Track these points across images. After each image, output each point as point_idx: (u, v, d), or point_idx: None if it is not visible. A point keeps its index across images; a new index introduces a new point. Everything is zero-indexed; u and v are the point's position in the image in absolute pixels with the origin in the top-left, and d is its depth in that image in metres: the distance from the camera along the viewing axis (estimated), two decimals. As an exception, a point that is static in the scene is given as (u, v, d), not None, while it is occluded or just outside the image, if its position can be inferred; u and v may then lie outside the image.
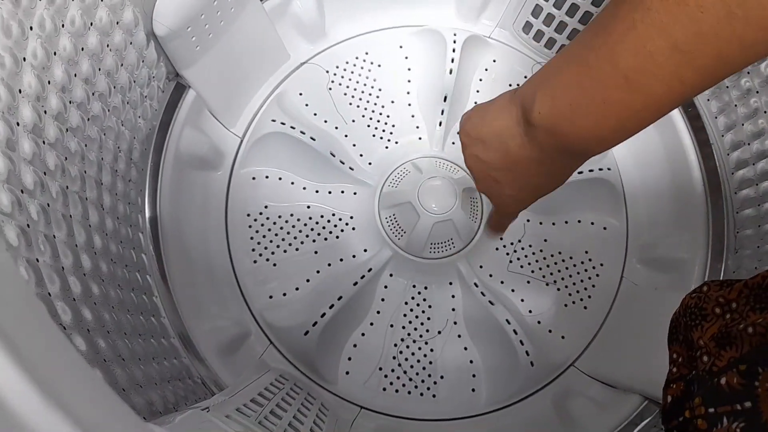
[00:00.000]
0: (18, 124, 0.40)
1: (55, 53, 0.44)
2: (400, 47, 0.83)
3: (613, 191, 0.77)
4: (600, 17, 0.35)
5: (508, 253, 0.77)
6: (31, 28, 0.41)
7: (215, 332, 0.66)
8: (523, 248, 0.77)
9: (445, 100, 0.78)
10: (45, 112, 0.43)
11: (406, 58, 0.83)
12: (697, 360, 0.31)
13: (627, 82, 0.32)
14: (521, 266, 0.76)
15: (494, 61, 0.83)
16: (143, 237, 0.62)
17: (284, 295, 0.73)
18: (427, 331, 0.74)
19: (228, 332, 0.68)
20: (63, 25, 0.45)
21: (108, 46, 0.52)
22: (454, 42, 0.77)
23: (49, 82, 0.44)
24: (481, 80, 0.82)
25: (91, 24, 0.49)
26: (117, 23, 0.53)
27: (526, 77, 0.82)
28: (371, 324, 0.74)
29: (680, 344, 0.34)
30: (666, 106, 0.34)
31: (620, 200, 0.77)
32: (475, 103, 0.82)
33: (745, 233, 0.65)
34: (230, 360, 0.67)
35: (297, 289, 0.73)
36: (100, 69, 0.51)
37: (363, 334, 0.73)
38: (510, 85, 0.82)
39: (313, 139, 0.74)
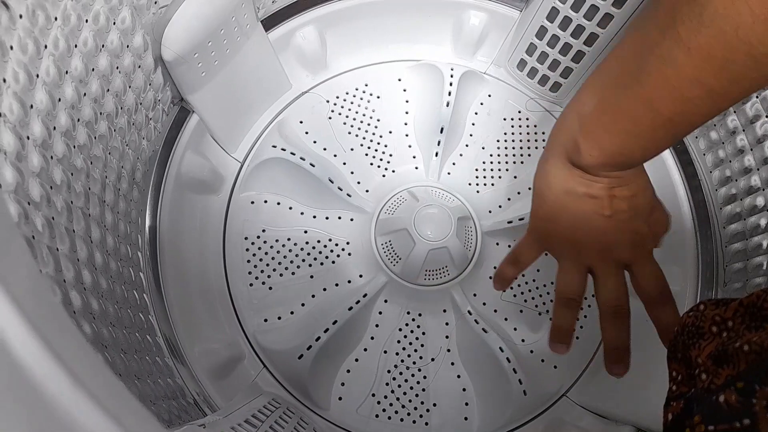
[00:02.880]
0: (28, 138, 0.41)
1: (66, 72, 0.46)
2: (399, 80, 0.85)
3: (605, 223, 0.78)
4: (624, 64, 0.38)
5: (501, 282, 0.78)
6: (45, 47, 0.43)
7: (209, 354, 0.66)
8: (516, 277, 0.78)
9: (441, 131, 0.80)
10: (54, 128, 0.44)
11: (405, 90, 0.85)
12: (696, 378, 0.32)
13: (670, 123, 0.36)
14: (514, 295, 0.77)
15: (489, 95, 0.85)
16: (142, 256, 0.63)
17: (279, 318, 0.73)
18: (421, 358, 0.74)
19: (222, 354, 0.67)
20: (76, 46, 0.46)
21: (117, 68, 0.53)
22: (451, 76, 0.80)
23: (59, 100, 0.45)
24: (476, 114, 0.85)
25: (103, 46, 0.50)
26: (127, 47, 0.54)
27: (519, 111, 0.85)
28: (365, 350, 0.74)
29: (679, 362, 0.35)
30: (701, 125, 0.38)
31: (612, 232, 0.79)
32: (471, 135, 0.84)
33: (734, 267, 0.66)
34: (223, 382, 0.66)
35: (292, 312, 0.74)
36: (108, 90, 0.53)
37: (356, 360, 0.73)
38: (504, 119, 0.85)
39: (313, 165, 0.75)
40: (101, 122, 0.53)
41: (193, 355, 0.64)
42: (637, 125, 0.38)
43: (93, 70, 0.49)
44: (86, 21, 0.47)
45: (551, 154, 0.46)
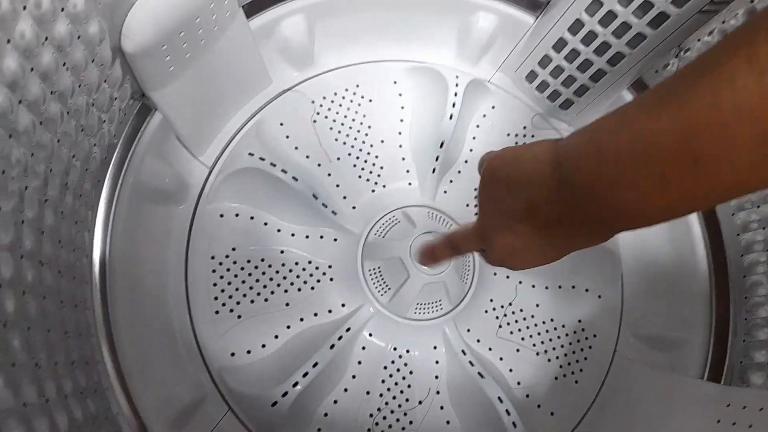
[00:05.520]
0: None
1: (-5, 75, 0.34)
2: (395, 83, 0.76)
3: (611, 259, 0.72)
4: (670, 84, 0.30)
5: (497, 317, 0.71)
6: (-35, 43, 0.32)
7: (167, 399, 0.56)
8: (513, 312, 0.71)
9: (441, 146, 0.71)
10: (-24, 150, 0.33)
11: (400, 95, 0.76)
12: None
13: (695, 166, 0.28)
14: (511, 332, 0.71)
15: (493, 107, 0.77)
16: (89, 289, 0.52)
17: (248, 352, 0.64)
18: (407, 400, 0.67)
19: (181, 398, 0.58)
20: (9, 41, 0.35)
21: (65, 65, 0.42)
22: (457, 85, 0.71)
23: (-16, 112, 0.34)
24: (478, 126, 0.77)
25: (46, 39, 0.39)
26: (78, 38, 0.43)
27: (525, 127, 0.77)
28: (345, 390, 0.66)
29: None
30: (732, 195, 0.29)
31: (617, 269, 0.73)
32: (471, 150, 0.76)
33: (755, 321, 0.61)
34: (182, 431, 0.57)
35: (263, 346, 0.65)
36: (52, 92, 0.41)
37: (335, 402, 0.65)
38: (508, 135, 0.77)
39: (295, 179, 0.66)
40: (40, 132, 0.41)
41: (148, 403, 0.54)
42: (654, 152, 0.29)
43: (32, 69, 0.38)
44: (24, 8, 0.35)
45: (549, 150, 0.37)
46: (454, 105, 0.70)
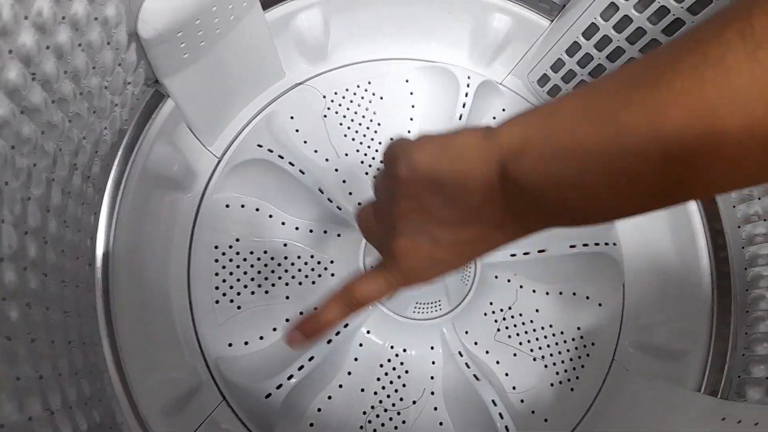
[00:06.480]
0: (-52, 138, 0.31)
1: (10, 51, 0.35)
2: (406, 81, 0.76)
3: (614, 267, 0.72)
4: (643, 66, 0.25)
5: (496, 320, 0.71)
6: (-18, 18, 0.32)
7: (162, 386, 0.56)
8: (513, 316, 0.71)
9: (449, 146, 0.71)
10: (-13, 124, 0.34)
11: (411, 93, 0.76)
12: None
13: (663, 160, 0.23)
14: (509, 336, 0.70)
15: (503, 110, 0.77)
16: (91, 270, 0.52)
17: (246, 344, 0.64)
18: (401, 399, 0.67)
19: (177, 385, 0.58)
20: (26, 17, 0.35)
21: (80, 45, 0.42)
22: (468, 86, 0.71)
23: (-3, 87, 0.34)
24: (487, 129, 0.76)
25: (63, 18, 0.39)
26: (95, 19, 0.43)
27: (534, 132, 0.77)
28: (340, 386, 0.66)
29: None
30: (703, 196, 0.28)
31: (619, 278, 0.72)
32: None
33: (755, 335, 0.61)
34: (175, 420, 0.57)
35: (261, 338, 0.65)
36: (66, 72, 0.42)
37: (329, 397, 0.65)
38: (517, 139, 0.77)
39: (302, 173, 0.66)
40: (52, 110, 0.42)
41: (143, 388, 0.54)
42: (619, 147, 0.24)
43: (48, 48, 0.38)
44: (41, -15, 0.36)
45: (487, 141, 0.29)
46: (464, 105, 0.70)
